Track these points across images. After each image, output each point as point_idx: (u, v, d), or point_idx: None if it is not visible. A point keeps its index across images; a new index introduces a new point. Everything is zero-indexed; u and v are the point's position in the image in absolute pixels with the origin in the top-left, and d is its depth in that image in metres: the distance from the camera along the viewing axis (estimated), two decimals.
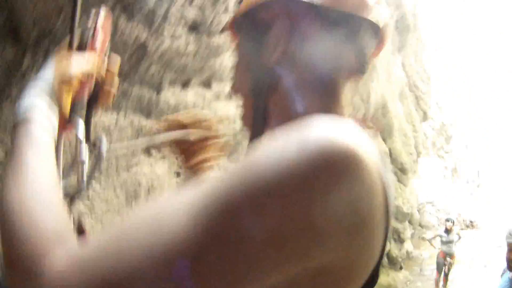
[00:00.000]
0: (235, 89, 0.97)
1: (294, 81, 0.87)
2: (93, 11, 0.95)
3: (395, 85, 10.32)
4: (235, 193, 0.52)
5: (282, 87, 0.87)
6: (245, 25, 0.94)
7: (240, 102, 0.96)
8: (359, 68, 0.88)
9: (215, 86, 4.10)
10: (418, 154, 12.34)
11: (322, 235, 0.53)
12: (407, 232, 11.44)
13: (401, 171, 9.99)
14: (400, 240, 10.77)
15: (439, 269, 10.12)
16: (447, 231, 10.16)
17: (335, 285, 0.61)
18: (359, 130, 0.62)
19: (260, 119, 0.90)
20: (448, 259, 9.95)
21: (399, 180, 9.91)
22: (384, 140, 9.59)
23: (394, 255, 9.81)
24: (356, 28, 0.86)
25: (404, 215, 10.22)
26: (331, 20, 0.83)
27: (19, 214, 0.62)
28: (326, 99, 0.87)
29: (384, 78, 9.27)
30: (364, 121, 0.82)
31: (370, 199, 0.58)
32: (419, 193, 14.92)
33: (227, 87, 4.27)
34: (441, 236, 10.29)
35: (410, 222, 11.66)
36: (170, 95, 3.51)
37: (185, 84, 3.70)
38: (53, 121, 0.80)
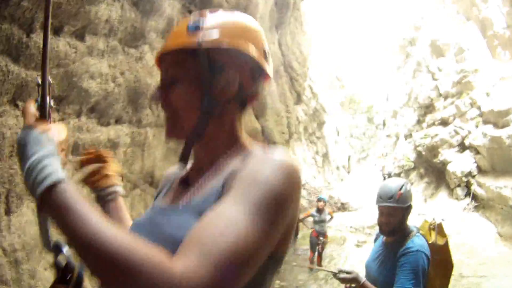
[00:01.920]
0: (166, 100, 1.37)
1: (227, 113, 1.37)
2: (39, 80, 1.27)
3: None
4: (257, 203, 1.03)
5: (220, 114, 1.35)
6: (203, 57, 1.34)
7: (167, 116, 1.37)
8: (255, 103, 1.43)
9: (89, 39, 4.02)
10: (291, 134, 12.82)
11: (290, 209, 1.11)
12: None
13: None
14: None
15: (312, 248, 10.61)
16: (319, 210, 10.67)
17: (287, 236, 1.20)
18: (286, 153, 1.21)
19: (198, 133, 1.36)
20: (321, 238, 10.44)
21: None
22: (256, 117, 9.83)
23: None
24: (264, 79, 1.44)
25: None
26: (260, 75, 1.39)
27: (126, 249, 0.90)
28: (238, 127, 1.41)
29: None
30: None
31: (299, 192, 1.18)
32: None
33: (101, 43, 4.25)
34: (313, 216, 10.73)
35: None
36: (40, 40, 3.42)
37: (57, 31, 3.60)
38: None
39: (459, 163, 16.13)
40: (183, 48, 1.36)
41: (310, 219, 11.01)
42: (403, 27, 23.93)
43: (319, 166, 23.24)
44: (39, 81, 1.28)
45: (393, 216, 3.54)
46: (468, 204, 15.35)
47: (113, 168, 1.81)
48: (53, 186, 1.00)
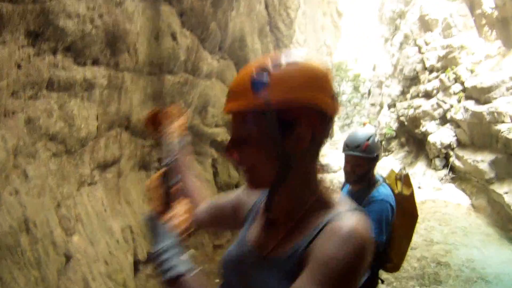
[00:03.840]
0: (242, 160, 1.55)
1: (304, 163, 1.50)
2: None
3: (255, 21, 10.70)
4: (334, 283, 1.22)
5: (297, 164, 1.47)
6: (273, 115, 1.40)
7: (244, 170, 1.54)
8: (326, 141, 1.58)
9: None
10: None
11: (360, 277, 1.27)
12: None
13: None
14: None
15: None
16: None
17: None
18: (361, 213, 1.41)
19: (280, 184, 1.49)
20: None
21: None
22: (238, 71, 9.98)
23: None
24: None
25: None
26: (329, 121, 1.51)
27: None
28: (315, 174, 1.57)
29: (245, 12, 9.63)
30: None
31: (369, 257, 1.31)
32: None
33: None
34: None
35: None
36: None
37: None
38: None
39: (440, 135, 16.48)
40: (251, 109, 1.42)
41: None
42: (392, 0, 23.88)
43: None
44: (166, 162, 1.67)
45: (359, 165, 3.72)
46: (445, 175, 15.74)
47: (180, 122, 2.21)
48: (173, 281, 1.35)
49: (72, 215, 4.47)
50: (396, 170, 4.06)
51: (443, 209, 12.99)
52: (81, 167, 4.98)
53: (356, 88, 38.49)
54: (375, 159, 3.77)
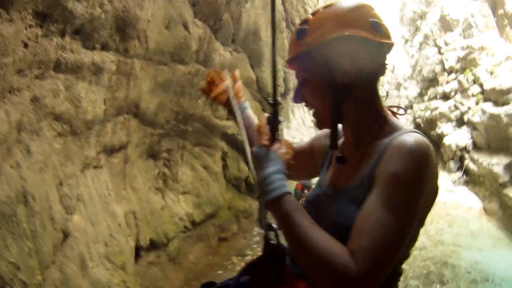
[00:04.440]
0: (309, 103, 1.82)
1: (359, 93, 1.67)
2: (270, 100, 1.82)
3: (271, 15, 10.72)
4: (399, 203, 1.40)
5: (353, 97, 1.66)
6: (312, 56, 1.66)
7: (312, 112, 1.79)
8: (384, 71, 1.73)
9: None
10: (287, 90, 13.03)
11: (428, 186, 1.48)
12: None
13: (266, 101, 10.52)
14: None
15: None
16: None
17: (428, 203, 1.61)
18: (420, 134, 1.56)
19: (337, 121, 1.68)
20: (305, 191, 10.76)
21: (263, 110, 10.45)
22: (252, 67, 10.05)
23: (253, 183, 10.36)
24: (387, 49, 1.73)
25: None
26: (378, 49, 1.66)
27: (324, 249, 1.37)
28: (376, 101, 1.74)
29: (260, 5, 9.68)
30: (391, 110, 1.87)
31: (435, 167, 1.54)
32: (288, 134, 15.82)
33: None
34: None
35: None
36: None
37: None
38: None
39: (456, 137, 16.32)
40: (298, 55, 1.69)
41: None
42: (413, 0, 23.68)
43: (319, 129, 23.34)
44: (271, 101, 1.77)
45: None
46: (459, 178, 15.61)
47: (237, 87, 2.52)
48: (277, 198, 1.50)
49: (74, 194, 4.59)
50: None
51: (454, 211, 12.93)
52: (87, 149, 5.10)
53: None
54: None
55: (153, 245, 6.78)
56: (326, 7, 1.69)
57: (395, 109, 1.88)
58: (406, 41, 25.21)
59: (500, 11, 16.04)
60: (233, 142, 9.43)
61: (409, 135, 1.50)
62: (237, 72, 2.63)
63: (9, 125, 3.49)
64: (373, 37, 1.59)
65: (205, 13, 7.39)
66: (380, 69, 1.70)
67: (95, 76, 5.01)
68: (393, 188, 1.38)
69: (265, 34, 10.14)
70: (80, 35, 4.59)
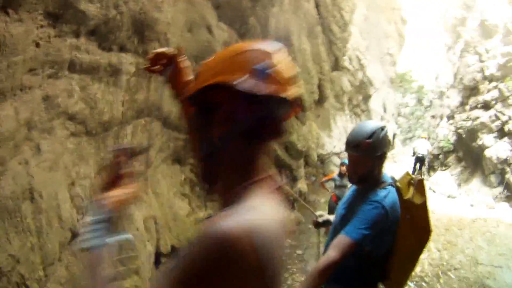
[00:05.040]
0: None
1: (229, 152, 1.46)
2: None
3: (303, 20, 10.73)
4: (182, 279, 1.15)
5: (222, 154, 1.46)
6: (197, 101, 1.50)
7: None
8: (278, 133, 1.46)
9: None
10: (324, 98, 12.98)
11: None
12: (301, 171, 11.95)
13: (303, 104, 10.47)
14: (292, 178, 11.31)
15: (330, 212, 10.17)
16: (341, 175, 10.61)
17: None
18: (253, 217, 1.25)
19: (209, 172, 1.55)
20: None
21: (296, 117, 10.40)
22: None
23: (285, 191, 10.19)
24: (273, 104, 1.41)
25: (298, 152, 10.61)
26: (256, 102, 1.37)
27: None
28: (247, 164, 1.46)
29: (290, 9, 9.69)
30: (277, 185, 1.56)
31: (252, 269, 1.17)
32: (330, 143, 15.80)
33: None
34: (334, 180, 10.75)
35: (307, 163, 12.19)
36: None
37: None
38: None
39: (496, 149, 15.99)
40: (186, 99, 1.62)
41: (332, 184, 10.95)
42: (454, 6, 23.36)
43: None
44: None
45: (359, 164, 3.43)
46: (500, 193, 15.25)
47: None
48: (85, 249, 1.51)
49: (87, 195, 4.65)
50: (412, 174, 3.74)
51: (494, 229, 12.62)
52: (103, 151, 5.16)
53: (419, 101, 37.90)
54: (380, 157, 3.46)
55: (175, 252, 6.78)
56: (220, 51, 1.57)
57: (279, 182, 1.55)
58: (449, 48, 24.90)
59: None
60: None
61: (233, 218, 1.21)
62: (181, 48, 2.25)
63: (17, 123, 3.58)
64: (265, 89, 1.37)
65: (229, 17, 7.45)
66: (265, 128, 1.44)
67: (112, 77, 5.08)
68: (177, 271, 1.18)
69: (298, 40, 10.14)
70: (95, 36, 4.67)
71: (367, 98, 24.47)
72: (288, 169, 10.68)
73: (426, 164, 21.78)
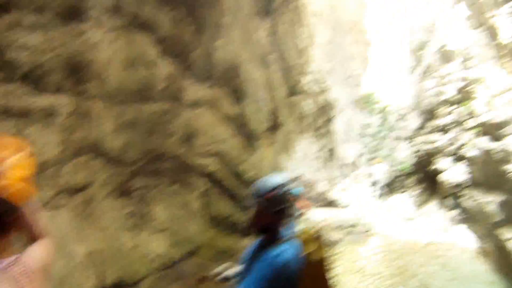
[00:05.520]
0: None
1: None
2: None
3: (254, 49, 10.94)
4: None
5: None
6: None
7: None
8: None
9: (15, 12, 4.47)
10: (277, 125, 13.15)
11: None
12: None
13: (249, 137, 10.58)
14: (243, 207, 11.39)
15: None
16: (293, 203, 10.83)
17: None
18: None
19: None
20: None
21: (246, 147, 10.53)
22: (236, 102, 10.22)
23: (236, 221, 10.31)
24: None
25: (249, 181, 10.59)
26: None
27: None
28: None
29: (240, 40, 9.88)
30: None
31: None
32: (290, 167, 15.95)
33: (32, 16, 4.68)
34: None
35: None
36: None
37: None
38: None
39: (452, 173, 16.33)
40: None
41: None
42: (417, 29, 23.98)
43: (323, 161, 23.48)
44: None
45: (260, 216, 3.42)
46: (455, 216, 15.57)
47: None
48: None
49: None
50: (313, 227, 3.67)
51: (448, 252, 12.86)
52: (41, 191, 5.26)
53: (384, 121, 38.47)
54: (279, 213, 3.41)
55: (121, 285, 6.85)
56: None
57: None
58: (411, 71, 25.43)
59: (498, 41, 16.16)
60: (215, 179, 9.53)
61: None
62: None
63: None
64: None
65: (173, 50, 7.62)
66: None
67: (47, 119, 5.20)
68: None
69: (248, 69, 10.31)
70: (29, 80, 4.79)
71: (330, 120, 24.80)
72: (239, 198, 10.73)
73: (384, 187, 22.39)
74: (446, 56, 19.19)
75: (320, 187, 19.62)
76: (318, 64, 22.13)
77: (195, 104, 8.66)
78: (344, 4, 31.22)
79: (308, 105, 19.74)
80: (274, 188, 3.38)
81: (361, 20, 35.48)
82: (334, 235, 13.81)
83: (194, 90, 8.54)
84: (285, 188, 3.43)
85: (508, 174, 11.81)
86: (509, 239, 10.85)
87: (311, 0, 19.39)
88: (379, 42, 40.41)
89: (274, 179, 3.49)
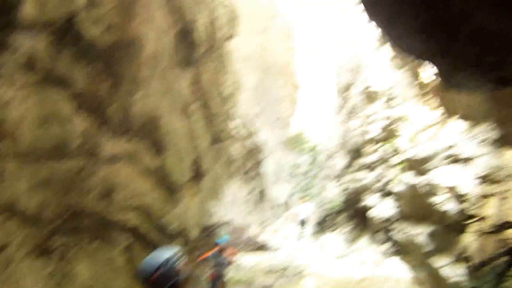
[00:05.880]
0: None
1: None
2: None
3: (175, 100, 11.05)
4: None
5: None
6: None
7: None
8: None
9: None
10: (204, 172, 13.25)
11: None
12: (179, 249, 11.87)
13: (171, 189, 10.63)
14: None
15: None
16: (216, 254, 11.06)
17: None
18: None
19: None
20: (218, 281, 10.80)
21: (168, 199, 10.56)
22: (156, 154, 10.25)
23: None
24: None
25: (172, 234, 10.60)
26: None
27: None
28: None
29: (160, 91, 9.98)
30: None
31: None
32: (219, 212, 16.00)
33: None
34: (210, 259, 11.05)
35: (186, 240, 12.25)
36: None
37: None
38: None
39: (381, 209, 16.88)
40: None
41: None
42: (343, 71, 24.81)
43: (253, 204, 23.67)
44: None
45: None
46: (387, 249, 16.02)
47: None
48: None
49: None
50: None
51: (383, 285, 13.18)
52: None
53: (313, 160, 39.12)
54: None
55: None
56: None
57: None
58: (337, 111, 26.14)
59: (420, 80, 16.94)
60: (138, 234, 9.47)
61: None
62: None
63: None
64: None
65: (89, 106, 7.65)
66: None
67: None
68: None
69: (168, 121, 10.39)
70: None
71: (259, 162, 25.11)
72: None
73: (315, 226, 22.90)
74: (370, 96, 19.92)
75: (251, 230, 19.74)
76: (246, 108, 22.48)
77: (113, 159, 8.63)
78: (272, 48, 31.94)
79: (235, 150, 19.97)
80: (159, 268, 3.40)
81: (290, 63, 36.33)
82: (265, 280, 13.87)
83: (112, 145, 8.53)
84: (171, 263, 3.49)
85: (435, 206, 12.30)
86: (441, 267, 11.26)
87: (238, 45, 19.78)
88: (308, 83, 41.55)
89: (158, 257, 3.51)
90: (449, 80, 7.10)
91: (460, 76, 6.59)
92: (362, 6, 6.70)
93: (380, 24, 6.88)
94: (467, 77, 6.46)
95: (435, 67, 7.05)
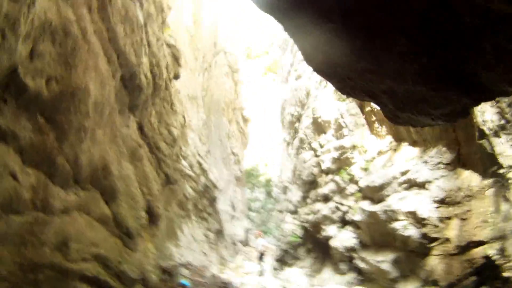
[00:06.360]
0: None
1: None
2: None
3: (123, 146, 11.03)
4: None
5: None
6: None
7: None
8: None
9: None
10: (158, 216, 13.19)
11: None
12: None
13: (126, 235, 10.57)
14: None
15: None
16: None
17: None
18: None
19: None
20: None
21: (125, 245, 10.48)
22: (106, 203, 10.18)
23: None
24: None
25: (132, 280, 10.59)
26: None
27: None
28: None
29: (106, 139, 9.96)
30: None
31: None
32: (177, 253, 15.86)
33: None
34: None
35: (146, 285, 12.12)
36: None
37: None
38: None
39: (341, 239, 17.09)
40: None
41: None
42: (292, 103, 25.18)
43: (211, 243, 23.60)
44: None
45: None
46: (353, 279, 16.16)
47: None
48: None
49: None
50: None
51: None
52: None
53: (268, 194, 39.34)
54: None
55: None
56: None
57: None
58: (288, 144, 26.43)
59: (367, 108, 17.37)
60: (97, 282, 9.36)
61: None
62: None
63: None
64: None
65: (35, 160, 7.56)
66: None
67: None
68: None
69: (117, 167, 10.37)
70: None
71: (212, 200, 25.15)
72: None
73: (276, 260, 23.11)
74: (319, 128, 20.27)
75: (211, 269, 19.64)
76: (196, 146, 22.53)
77: (66, 210, 8.56)
78: (218, 84, 32.22)
79: (188, 189, 19.97)
80: None
81: (236, 98, 36.66)
82: None
83: (63, 196, 8.46)
84: None
85: (396, 232, 12.50)
86: None
87: (183, 84, 19.92)
88: (258, 117, 41.96)
89: None
90: (396, 119, 7.28)
91: (406, 114, 6.75)
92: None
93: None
94: (414, 114, 6.63)
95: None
